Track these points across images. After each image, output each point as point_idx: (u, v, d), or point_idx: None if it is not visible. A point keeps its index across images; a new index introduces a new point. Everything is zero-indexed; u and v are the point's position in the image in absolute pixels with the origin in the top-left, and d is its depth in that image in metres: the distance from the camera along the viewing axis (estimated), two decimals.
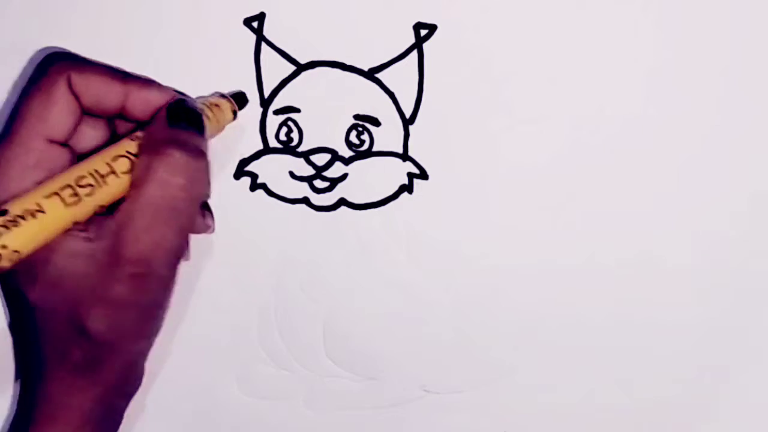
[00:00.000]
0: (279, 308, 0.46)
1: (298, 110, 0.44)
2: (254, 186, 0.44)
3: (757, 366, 0.47)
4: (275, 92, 0.43)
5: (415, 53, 0.43)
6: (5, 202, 0.35)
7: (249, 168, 0.44)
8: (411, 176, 0.44)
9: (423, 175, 0.44)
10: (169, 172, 0.36)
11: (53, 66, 0.37)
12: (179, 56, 0.43)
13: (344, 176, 0.44)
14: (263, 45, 0.43)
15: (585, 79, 0.43)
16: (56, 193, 0.35)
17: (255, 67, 0.43)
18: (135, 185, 0.36)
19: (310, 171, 0.44)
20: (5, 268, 0.34)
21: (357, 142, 0.44)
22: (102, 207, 0.37)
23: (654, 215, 0.45)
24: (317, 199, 0.44)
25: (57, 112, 0.37)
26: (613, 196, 0.44)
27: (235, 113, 0.42)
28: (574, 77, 0.43)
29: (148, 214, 0.36)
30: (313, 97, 0.43)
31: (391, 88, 0.43)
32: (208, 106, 0.40)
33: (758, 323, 0.46)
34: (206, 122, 0.39)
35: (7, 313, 0.42)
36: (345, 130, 0.44)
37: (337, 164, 0.44)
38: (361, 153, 0.44)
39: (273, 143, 0.44)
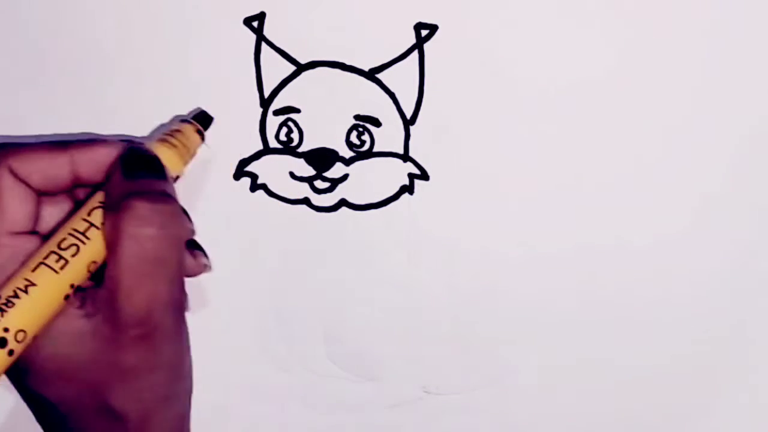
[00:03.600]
0: (279, 309, 0.45)
1: (298, 110, 0.43)
2: (254, 187, 0.44)
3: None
4: (275, 92, 0.43)
5: (415, 53, 0.42)
6: None
7: (249, 168, 0.44)
8: (412, 177, 0.44)
9: (424, 175, 0.44)
10: (137, 225, 0.34)
11: None
12: (179, 56, 0.43)
13: (345, 177, 0.44)
14: (263, 45, 0.43)
15: (585, 79, 0.43)
16: (41, 263, 0.34)
17: (255, 67, 0.43)
18: (110, 248, 0.35)
19: (311, 171, 0.44)
20: (17, 351, 0.33)
21: (357, 142, 0.44)
22: (95, 264, 0.36)
23: (654, 216, 0.45)
24: (318, 200, 0.44)
25: (10, 204, 0.35)
26: (615, 195, 0.44)
27: (200, 133, 0.41)
28: (574, 78, 0.43)
29: (132, 272, 0.34)
30: (313, 98, 0.43)
31: (392, 89, 0.43)
32: (170, 134, 0.39)
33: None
34: (171, 154, 0.38)
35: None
36: (345, 131, 0.43)
37: (338, 165, 0.44)
38: (362, 153, 0.44)
39: (273, 144, 0.44)
